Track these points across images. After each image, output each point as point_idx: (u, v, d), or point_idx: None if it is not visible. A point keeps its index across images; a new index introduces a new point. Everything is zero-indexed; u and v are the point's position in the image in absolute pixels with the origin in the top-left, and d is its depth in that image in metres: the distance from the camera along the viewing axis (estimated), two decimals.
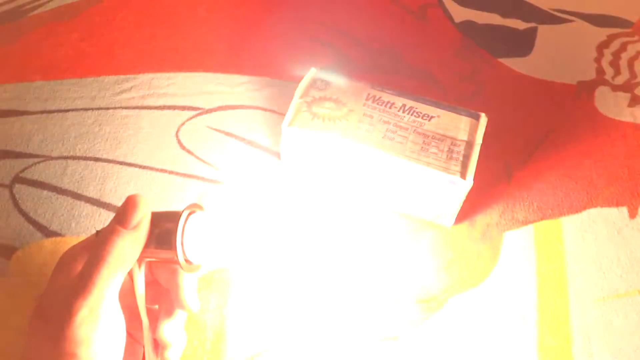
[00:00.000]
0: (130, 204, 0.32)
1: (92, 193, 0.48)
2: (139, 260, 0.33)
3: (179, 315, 0.35)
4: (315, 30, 0.60)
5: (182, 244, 0.33)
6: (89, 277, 0.30)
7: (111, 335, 0.30)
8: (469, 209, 0.46)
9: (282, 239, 0.34)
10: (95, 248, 0.31)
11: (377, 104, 0.44)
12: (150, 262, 0.35)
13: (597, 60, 0.58)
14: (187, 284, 0.34)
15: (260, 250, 0.35)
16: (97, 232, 0.34)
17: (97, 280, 0.29)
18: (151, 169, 0.49)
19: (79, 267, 0.31)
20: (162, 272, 0.35)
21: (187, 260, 0.34)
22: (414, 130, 0.42)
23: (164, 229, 0.33)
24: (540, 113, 0.54)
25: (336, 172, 0.44)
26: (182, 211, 0.34)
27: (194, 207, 0.35)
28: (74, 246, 0.34)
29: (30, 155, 0.50)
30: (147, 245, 0.33)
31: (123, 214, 0.32)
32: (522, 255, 0.44)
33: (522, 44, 0.59)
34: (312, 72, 0.46)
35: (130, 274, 0.33)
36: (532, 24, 0.61)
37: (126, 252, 0.31)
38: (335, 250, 0.34)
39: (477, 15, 0.62)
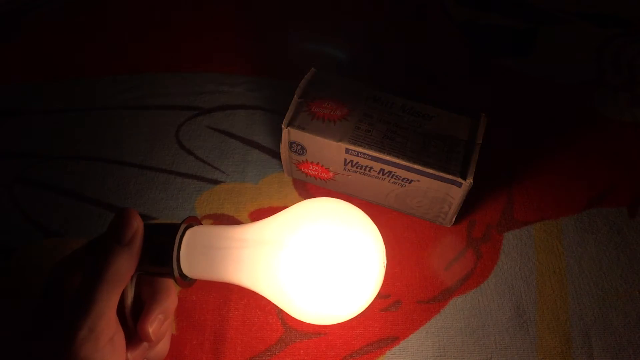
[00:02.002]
0: (122, 219, 0.32)
1: (92, 193, 0.48)
2: (133, 274, 0.32)
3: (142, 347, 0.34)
4: (315, 30, 0.60)
5: (177, 259, 0.33)
6: (87, 297, 0.29)
7: (112, 352, 0.30)
8: (469, 209, 0.46)
9: (282, 238, 0.34)
10: (91, 265, 0.30)
11: (377, 104, 0.44)
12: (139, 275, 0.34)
13: (597, 60, 0.58)
14: (158, 312, 0.33)
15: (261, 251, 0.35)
16: (89, 242, 0.33)
17: (95, 299, 0.29)
18: (151, 169, 0.49)
19: (74, 282, 0.31)
20: (145, 289, 0.35)
21: (182, 275, 0.34)
22: (414, 130, 0.42)
23: (159, 243, 0.33)
24: (540, 113, 0.54)
25: (336, 172, 0.44)
26: (179, 225, 0.33)
27: (190, 221, 0.34)
28: (66, 258, 0.33)
29: (30, 155, 0.50)
30: (142, 260, 0.32)
31: (116, 230, 0.31)
32: (522, 256, 0.44)
33: (522, 44, 0.59)
34: (312, 72, 0.46)
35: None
36: (532, 24, 0.61)
37: (122, 269, 0.31)
38: (334, 250, 0.34)
39: (477, 15, 0.62)
